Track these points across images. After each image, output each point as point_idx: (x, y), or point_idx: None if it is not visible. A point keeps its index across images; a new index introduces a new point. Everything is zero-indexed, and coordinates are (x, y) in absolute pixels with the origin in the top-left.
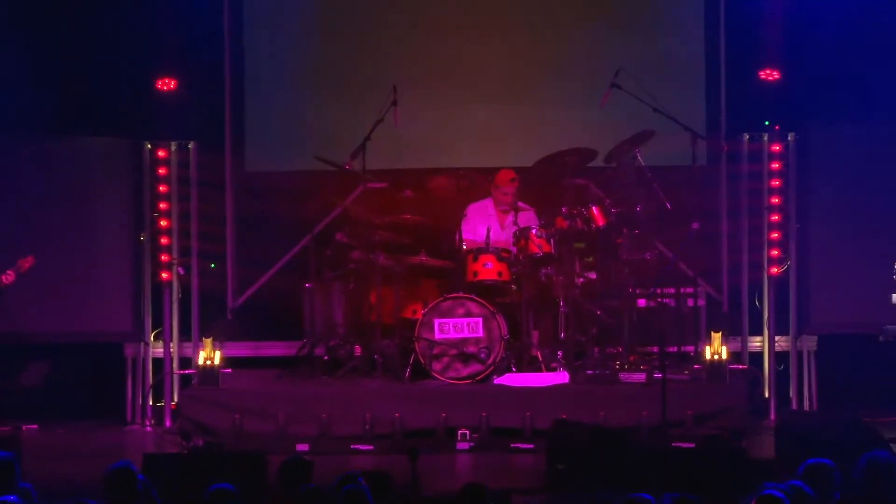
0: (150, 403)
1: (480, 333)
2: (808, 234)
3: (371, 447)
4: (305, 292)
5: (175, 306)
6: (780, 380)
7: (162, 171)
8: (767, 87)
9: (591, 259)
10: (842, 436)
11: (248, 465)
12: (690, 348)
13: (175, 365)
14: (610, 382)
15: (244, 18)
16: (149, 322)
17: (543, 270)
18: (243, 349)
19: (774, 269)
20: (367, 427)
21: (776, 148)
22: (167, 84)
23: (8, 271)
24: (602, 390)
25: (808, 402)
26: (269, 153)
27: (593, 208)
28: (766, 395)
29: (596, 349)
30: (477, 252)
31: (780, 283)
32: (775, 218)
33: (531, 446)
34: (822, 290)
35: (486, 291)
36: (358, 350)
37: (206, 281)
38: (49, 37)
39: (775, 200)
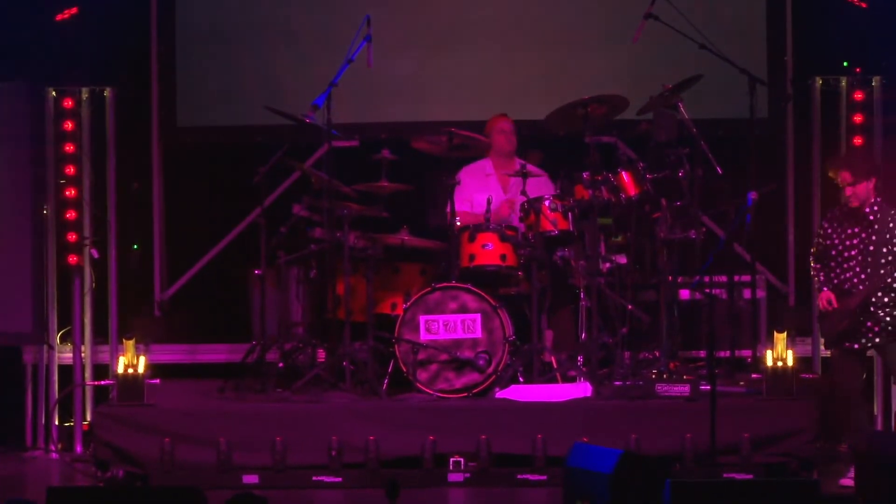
0: (56, 423)
1: (478, 334)
2: None
3: (339, 479)
4: (254, 281)
5: (87, 299)
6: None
7: (69, 125)
8: (848, 19)
9: (620, 238)
10: None
11: (181, 502)
12: (747, 353)
13: (88, 374)
14: (644, 396)
15: None
16: (54, 319)
17: (559, 253)
18: (175, 354)
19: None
20: (334, 454)
21: (858, 96)
22: (67, 14)
23: None
24: (634, 406)
25: None
26: (207, 103)
27: (623, 174)
28: None
29: (626, 354)
30: (474, 230)
31: None
32: None
33: (543, 478)
34: None
35: (486, 280)
36: (321, 355)
37: (127, 267)
38: None
39: None
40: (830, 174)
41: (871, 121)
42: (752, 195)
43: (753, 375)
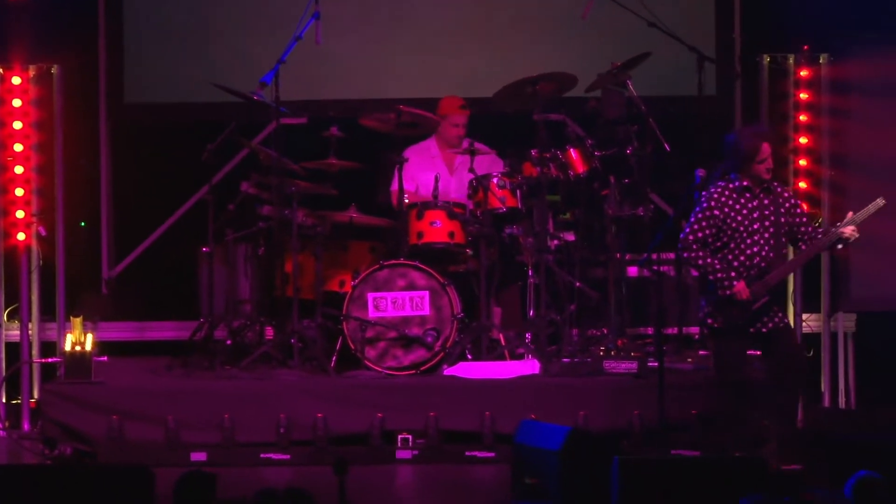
0: (3, 401)
1: (427, 311)
2: (845, 184)
3: (287, 457)
4: (202, 259)
5: (34, 276)
6: (810, 370)
7: (17, 102)
8: None
9: (568, 216)
10: (887, 441)
11: (129, 480)
12: (695, 330)
13: (35, 352)
14: (592, 373)
15: None
16: (0, 297)
17: (507, 230)
18: (123, 331)
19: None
20: (282, 431)
21: (805, 73)
22: None
23: None
24: (582, 384)
25: (843, 398)
26: (155, 80)
27: (571, 151)
28: None
29: (574, 331)
30: (422, 207)
31: None
32: (803, 162)
33: (492, 455)
34: (863, 256)
35: (434, 258)
36: (270, 333)
37: (74, 244)
38: None
39: (803, 140)
40: (764, 144)
41: (818, 98)
42: (700, 172)
43: (701, 352)
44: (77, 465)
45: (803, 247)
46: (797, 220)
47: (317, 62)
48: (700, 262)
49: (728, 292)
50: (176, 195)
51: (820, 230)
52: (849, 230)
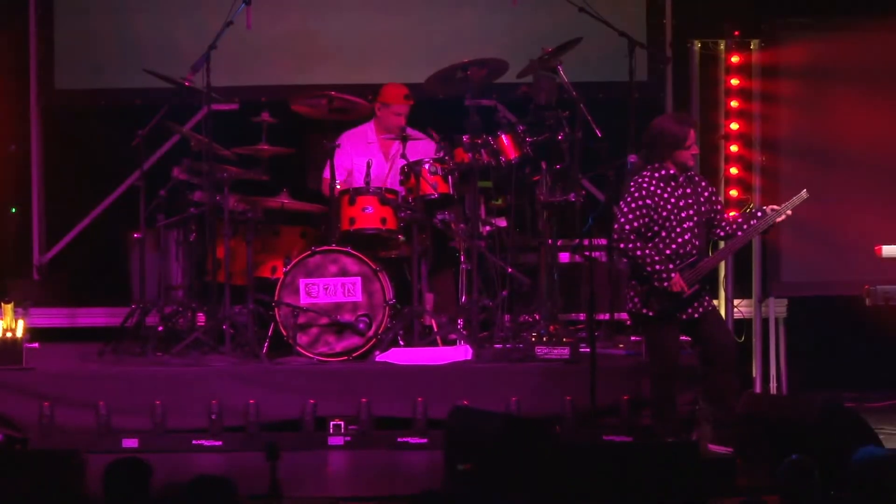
0: None
1: (359, 297)
2: (776, 170)
3: (219, 443)
4: (133, 244)
5: None
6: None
7: None
8: None
9: (500, 202)
10: (819, 426)
11: (60, 466)
12: (626, 315)
13: None
14: (524, 359)
15: None
16: None
17: (439, 216)
18: (54, 317)
19: (733, 214)
20: (214, 417)
21: (736, 59)
22: None
23: None
24: (514, 369)
25: (775, 383)
26: (85, 66)
27: (503, 137)
28: None
29: (507, 317)
30: (354, 193)
31: None
32: (734, 148)
33: (424, 441)
34: (794, 242)
35: (366, 244)
36: (201, 319)
37: (4, 230)
38: None
39: (734, 126)
40: (691, 130)
41: (749, 83)
42: (632, 158)
43: (632, 338)
44: (8, 451)
45: (720, 233)
46: (716, 207)
47: (248, 47)
48: (638, 252)
49: (665, 284)
50: (107, 181)
51: (734, 220)
52: (778, 218)
